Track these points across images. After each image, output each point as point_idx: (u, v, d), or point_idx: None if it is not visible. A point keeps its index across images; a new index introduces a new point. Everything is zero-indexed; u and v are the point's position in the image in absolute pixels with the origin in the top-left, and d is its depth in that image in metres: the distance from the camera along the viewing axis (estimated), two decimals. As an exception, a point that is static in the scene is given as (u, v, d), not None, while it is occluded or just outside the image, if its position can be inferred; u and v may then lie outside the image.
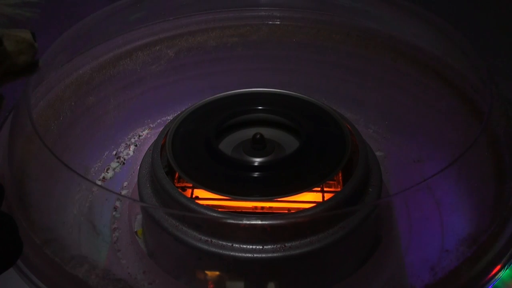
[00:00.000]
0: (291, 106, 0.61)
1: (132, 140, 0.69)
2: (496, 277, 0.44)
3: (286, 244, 0.46)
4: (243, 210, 0.51)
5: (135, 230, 0.56)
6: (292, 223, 0.46)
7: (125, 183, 0.64)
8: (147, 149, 0.58)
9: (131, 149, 0.68)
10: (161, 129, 0.59)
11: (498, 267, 0.45)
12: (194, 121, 0.59)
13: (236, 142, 0.59)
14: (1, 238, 0.34)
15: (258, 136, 0.56)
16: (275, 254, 0.46)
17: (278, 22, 0.74)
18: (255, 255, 0.46)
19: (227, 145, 0.59)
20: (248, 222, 0.45)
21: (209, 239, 0.46)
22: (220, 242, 0.46)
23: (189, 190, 0.52)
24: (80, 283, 0.45)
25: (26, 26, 0.38)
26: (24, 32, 0.38)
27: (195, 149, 0.55)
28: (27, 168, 0.53)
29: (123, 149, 0.68)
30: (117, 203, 0.59)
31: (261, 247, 0.46)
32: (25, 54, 0.38)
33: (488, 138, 0.53)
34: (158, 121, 0.72)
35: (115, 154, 0.67)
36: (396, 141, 0.67)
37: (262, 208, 0.51)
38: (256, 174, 0.53)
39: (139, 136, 0.70)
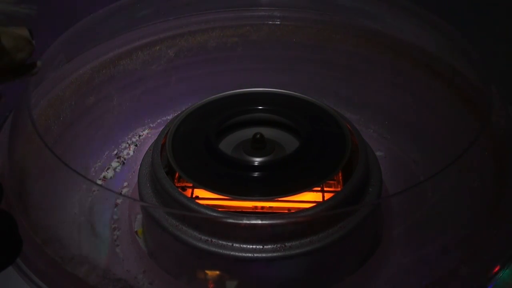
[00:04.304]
0: (291, 106, 0.61)
1: (132, 140, 0.69)
2: (496, 277, 0.44)
3: (286, 244, 0.46)
4: (243, 210, 0.51)
5: (135, 229, 0.56)
6: (292, 223, 0.46)
7: (125, 183, 0.64)
8: (147, 149, 0.58)
9: (131, 149, 0.68)
10: (161, 129, 0.59)
11: (498, 267, 0.45)
12: (194, 121, 0.59)
13: (236, 142, 0.59)
14: (1, 236, 0.34)
15: (258, 136, 0.56)
16: (275, 254, 0.46)
17: (278, 22, 0.74)
18: (255, 255, 0.46)
19: (227, 145, 0.59)
20: (248, 222, 0.45)
21: (209, 239, 0.46)
22: (220, 241, 0.46)
23: (189, 190, 0.53)
24: (80, 283, 0.45)
25: (23, 24, 0.38)
26: (21, 29, 0.38)
27: (195, 149, 0.55)
28: (27, 168, 0.53)
29: (123, 149, 0.68)
30: (118, 203, 0.59)
31: (261, 247, 0.46)
32: (22, 51, 0.38)
33: (488, 138, 0.53)
34: (158, 121, 0.72)
35: (115, 154, 0.67)
36: (396, 141, 0.67)
37: (262, 208, 0.51)
38: (256, 174, 0.53)
39: (139, 136, 0.70)
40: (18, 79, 0.39)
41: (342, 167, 0.52)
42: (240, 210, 0.50)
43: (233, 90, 0.63)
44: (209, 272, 0.48)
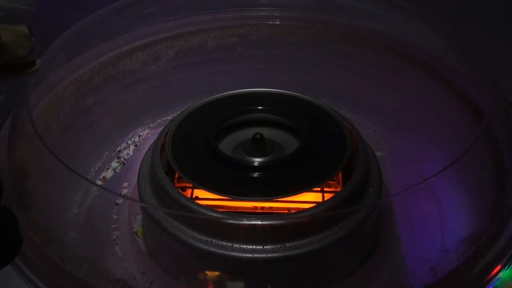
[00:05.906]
0: (291, 106, 0.61)
1: (132, 140, 0.69)
2: (496, 277, 0.44)
3: (286, 244, 0.46)
4: (243, 210, 0.51)
5: (135, 230, 0.56)
6: (292, 223, 0.46)
7: (125, 183, 0.64)
8: (147, 149, 0.58)
9: (131, 149, 0.68)
10: (161, 129, 0.59)
11: (498, 267, 0.45)
12: (194, 121, 0.59)
13: (236, 142, 0.59)
14: (1, 232, 0.34)
15: (258, 136, 0.56)
16: (275, 254, 0.46)
17: (278, 22, 0.74)
18: (255, 255, 0.46)
19: (227, 145, 0.59)
20: (248, 222, 0.45)
21: (209, 239, 0.46)
22: (220, 242, 0.46)
23: (189, 190, 0.52)
24: (80, 283, 0.45)
25: (23, 21, 0.38)
26: (20, 26, 0.38)
27: (195, 149, 0.55)
28: (27, 168, 0.53)
29: (123, 149, 0.68)
30: (117, 203, 0.59)
31: (261, 247, 0.46)
32: (22, 48, 0.38)
33: (488, 138, 0.53)
34: (158, 121, 0.72)
35: (115, 154, 0.67)
36: (396, 141, 0.67)
37: (262, 208, 0.51)
38: (256, 174, 0.53)
39: (139, 136, 0.70)
40: (17, 77, 0.39)
41: (342, 167, 0.52)
42: (240, 210, 0.50)
43: (233, 90, 0.63)
44: (208, 273, 0.48)
